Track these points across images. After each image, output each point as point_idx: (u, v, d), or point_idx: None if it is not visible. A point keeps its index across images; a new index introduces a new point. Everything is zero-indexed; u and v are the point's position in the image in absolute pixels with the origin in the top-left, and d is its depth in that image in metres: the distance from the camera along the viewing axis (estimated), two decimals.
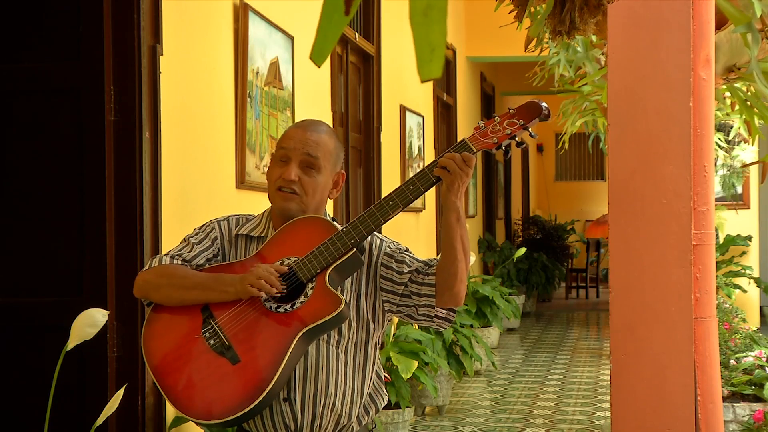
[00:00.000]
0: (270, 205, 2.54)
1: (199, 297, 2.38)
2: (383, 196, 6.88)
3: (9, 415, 3.47)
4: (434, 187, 2.40)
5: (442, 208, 2.37)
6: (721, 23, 3.28)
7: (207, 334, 2.36)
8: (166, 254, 2.46)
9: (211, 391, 2.33)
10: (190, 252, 2.46)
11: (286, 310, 2.34)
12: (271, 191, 2.47)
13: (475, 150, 2.32)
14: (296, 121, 4.82)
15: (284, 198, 2.43)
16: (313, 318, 2.31)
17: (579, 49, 5.90)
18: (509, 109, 2.34)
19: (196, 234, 2.51)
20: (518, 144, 2.36)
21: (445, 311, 2.43)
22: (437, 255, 2.51)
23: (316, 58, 0.89)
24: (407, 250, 2.51)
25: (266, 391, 2.28)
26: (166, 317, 2.42)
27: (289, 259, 2.37)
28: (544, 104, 2.33)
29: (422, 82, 0.86)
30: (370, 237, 2.47)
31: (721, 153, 8.94)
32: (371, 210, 2.34)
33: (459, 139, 9.18)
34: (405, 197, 2.34)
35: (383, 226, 2.39)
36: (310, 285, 2.34)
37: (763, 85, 2.76)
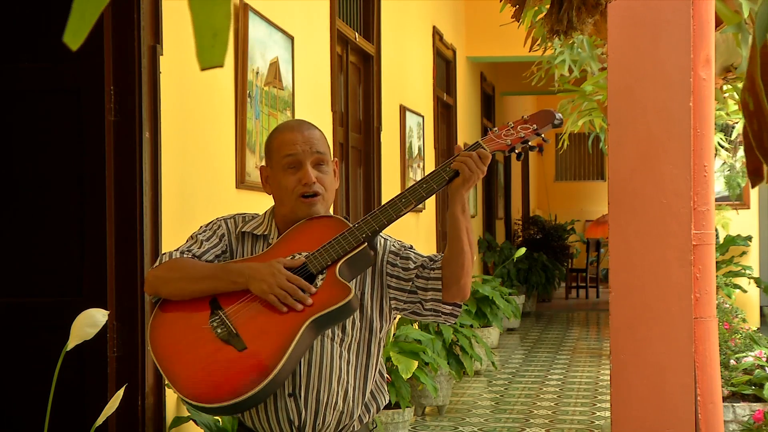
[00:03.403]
0: (272, 204, 2.54)
1: (209, 286, 2.38)
2: (383, 196, 6.89)
3: (9, 415, 3.47)
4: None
5: (449, 200, 2.39)
6: (720, 23, 3.28)
7: (214, 324, 2.36)
8: (176, 250, 2.47)
9: (216, 376, 2.33)
10: (199, 248, 2.46)
11: None
12: (290, 201, 2.44)
13: (488, 151, 2.35)
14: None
15: (310, 204, 2.43)
16: (321, 306, 2.31)
17: (580, 50, 5.90)
18: (523, 116, 2.39)
19: (204, 231, 2.52)
20: (530, 148, 2.40)
21: (449, 306, 2.44)
22: (436, 253, 2.52)
23: (70, 40, 0.80)
24: (411, 247, 2.52)
25: (271, 375, 2.27)
26: (173, 310, 2.42)
27: (300, 254, 2.38)
28: (557, 113, 2.38)
29: (202, 69, 0.80)
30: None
31: (723, 153, 8.94)
32: (383, 206, 2.36)
33: (459, 140, 9.14)
34: (418, 195, 2.36)
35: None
36: (320, 276, 2.35)
37: None
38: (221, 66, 0.79)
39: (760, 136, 0.81)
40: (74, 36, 0.80)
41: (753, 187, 0.85)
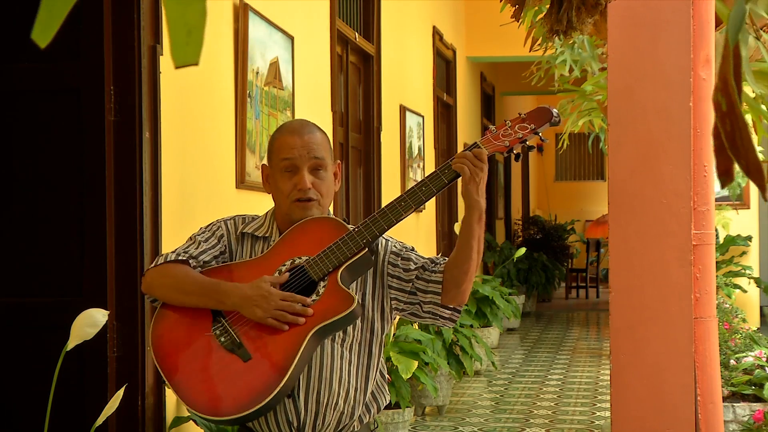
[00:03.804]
0: (272, 205, 2.54)
1: (197, 302, 2.38)
2: (383, 196, 6.89)
3: (9, 414, 3.47)
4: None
5: (465, 206, 2.37)
6: (720, 23, 3.28)
7: (217, 332, 2.36)
8: (173, 252, 2.46)
9: (222, 388, 2.32)
10: (196, 249, 2.46)
11: None
12: (285, 204, 2.44)
13: (487, 152, 2.34)
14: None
15: (304, 207, 2.43)
16: (325, 316, 2.31)
17: (580, 50, 5.90)
18: (520, 114, 2.37)
19: (203, 232, 2.51)
20: (529, 148, 2.39)
21: (448, 312, 2.43)
22: (437, 254, 2.52)
23: (38, 37, 0.78)
24: (413, 249, 2.52)
25: (278, 388, 2.27)
26: (175, 314, 2.42)
27: (300, 258, 2.38)
28: (554, 110, 2.37)
29: (176, 67, 0.78)
30: None
31: None
32: (383, 210, 2.35)
33: (459, 140, 9.12)
34: (417, 198, 2.35)
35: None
36: (321, 283, 2.34)
37: (754, 85, 2.76)
38: (196, 64, 0.77)
39: (732, 136, 0.81)
40: (43, 33, 0.78)
41: (723, 187, 0.85)
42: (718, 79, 0.81)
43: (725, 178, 0.84)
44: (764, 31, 3.41)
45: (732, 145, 0.81)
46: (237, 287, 2.35)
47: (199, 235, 2.51)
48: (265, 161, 2.59)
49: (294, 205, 2.43)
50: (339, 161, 2.56)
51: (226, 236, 2.50)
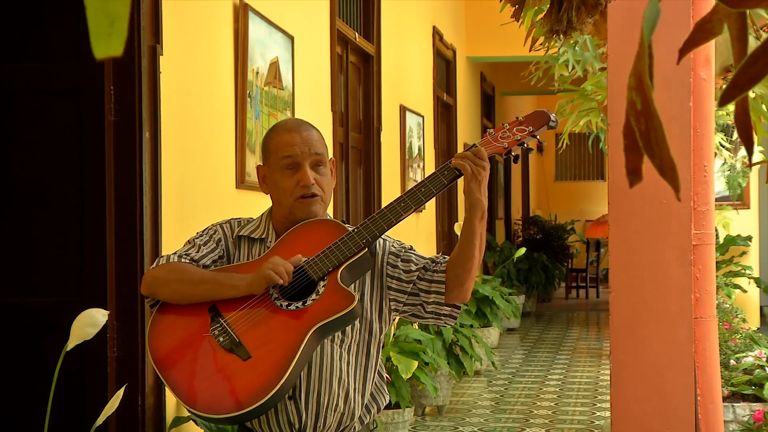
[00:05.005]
0: (269, 206, 2.54)
1: (209, 291, 2.36)
2: (383, 196, 6.88)
3: (9, 415, 3.47)
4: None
5: (468, 205, 2.37)
6: None
7: (216, 332, 2.34)
8: (173, 253, 2.45)
9: (222, 387, 2.31)
10: (197, 252, 2.45)
11: (297, 307, 2.33)
12: (288, 202, 2.44)
13: (484, 151, 2.35)
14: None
15: (309, 204, 2.42)
16: (325, 314, 2.31)
17: (581, 50, 5.89)
18: (517, 118, 2.38)
19: (200, 236, 2.51)
20: (528, 150, 2.40)
21: (448, 308, 2.43)
22: (437, 254, 2.52)
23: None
24: (411, 248, 2.51)
25: (278, 386, 2.27)
26: (172, 317, 2.40)
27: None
28: (552, 114, 2.38)
29: (98, 60, 0.76)
30: None
31: (725, 153, 8.94)
32: (383, 211, 2.35)
33: (459, 140, 9.11)
34: (417, 199, 2.35)
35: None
36: (321, 283, 2.34)
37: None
38: (119, 55, 0.74)
39: (647, 135, 0.81)
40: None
41: (631, 186, 0.84)
42: (633, 78, 0.81)
43: (634, 177, 0.83)
44: (764, 31, 3.41)
45: (647, 144, 0.81)
46: (247, 274, 2.36)
47: (197, 238, 2.50)
48: (261, 161, 2.58)
49: (298, 203, 2.43)
50: (332, 158, 2.56)
51: (224, 240, 2.50)
